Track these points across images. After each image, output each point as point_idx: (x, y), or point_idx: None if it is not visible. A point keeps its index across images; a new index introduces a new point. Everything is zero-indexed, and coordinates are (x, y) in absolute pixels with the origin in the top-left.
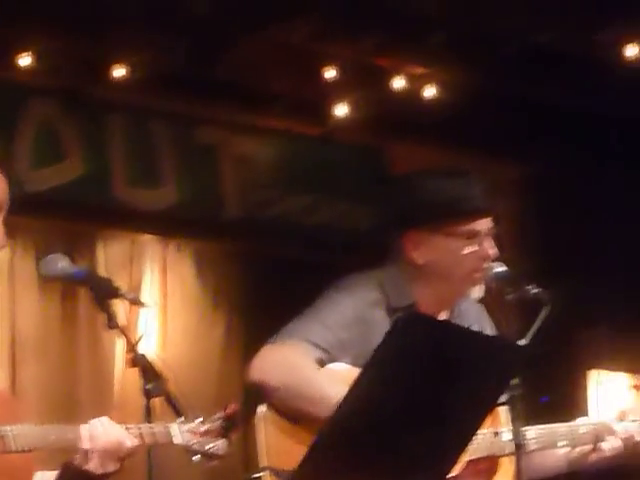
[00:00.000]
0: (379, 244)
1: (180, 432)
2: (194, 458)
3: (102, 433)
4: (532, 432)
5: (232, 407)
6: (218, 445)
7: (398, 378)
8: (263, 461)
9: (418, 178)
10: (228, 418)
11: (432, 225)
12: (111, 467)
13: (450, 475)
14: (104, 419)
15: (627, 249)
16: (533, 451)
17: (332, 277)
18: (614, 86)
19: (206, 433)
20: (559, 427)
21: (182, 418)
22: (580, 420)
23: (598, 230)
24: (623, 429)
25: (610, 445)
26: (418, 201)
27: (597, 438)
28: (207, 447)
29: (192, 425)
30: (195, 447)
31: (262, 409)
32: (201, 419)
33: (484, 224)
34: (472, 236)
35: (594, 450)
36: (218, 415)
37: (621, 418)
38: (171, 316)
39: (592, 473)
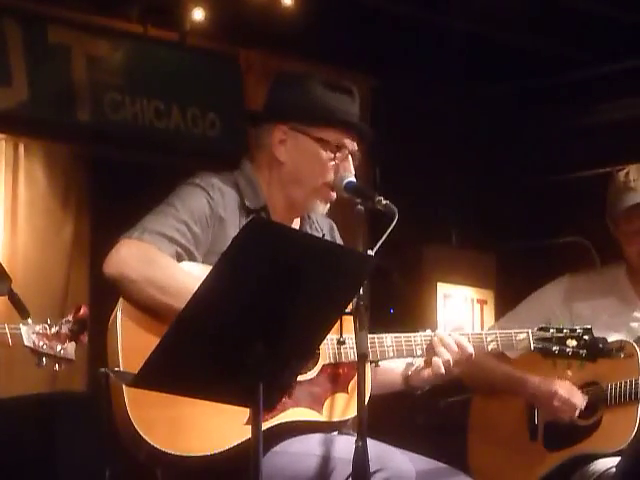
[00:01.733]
0: (226, 150)
1: (29, 334)
2: (42, 361)
3: None
4: (389, 339)
5: (82, 310)
6: (67, 348)
7: (245, 282)
8: (119, 360)
9: (305, 79)
10: (78, 321)
11: (306, 124)
12: None
13: (306, 378)
14: None
15: (473, 164)
16: (391, 358)
17: (178, 182)
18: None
19: (56, 336)
20: (416, 336)
21: (30, 320)
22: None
23: (445, 145)
24: (455, 341)
25: (442, 359)
26: (299, 99)
27: (430, 351)
28: (56, 350)
29: (41, 327)
30: (44, 350)
31: (120, 307)
32: (49, 321)
33: (351, 144)
34: (338, 150)
35: (427, 366)
36: (68, 318)
37: (454, 330)
38: (20, 216)
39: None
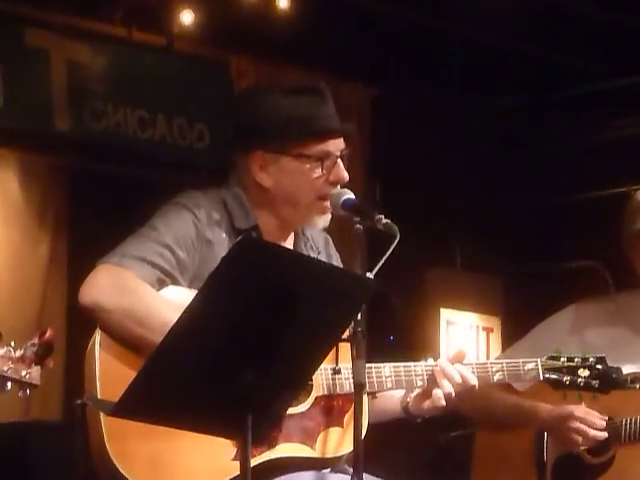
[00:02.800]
0: (216, 163)
1: None
2: (7, 385)
3: None
4: (387, 369)
5: (48, 333)
6: (32, 373)
7: (233, 307)
8: (96, 389)
9: (268, 93)
10: (44, 344)
11: (281, 145)
12: None
13: (298, 411)
14: None
15: (479, 182)
16: (390, 389)
17: (164, 196)
18: (462, 7)
19: (20, 359)
20: (416, 365)
21: None
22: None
23: (450, 160)
24: (457, 372)
25: (444, 392)
26: (267, 118)
27: (432, 382)
28: (21, 374)
29: (5, 350)
30: (9, 374)
31: (98, 335)
32: (13, 344)
33: (336, 145)
34: (323, 158)
35: (428, 396)
36: (33, 341)
37: (457, 360)
38: None
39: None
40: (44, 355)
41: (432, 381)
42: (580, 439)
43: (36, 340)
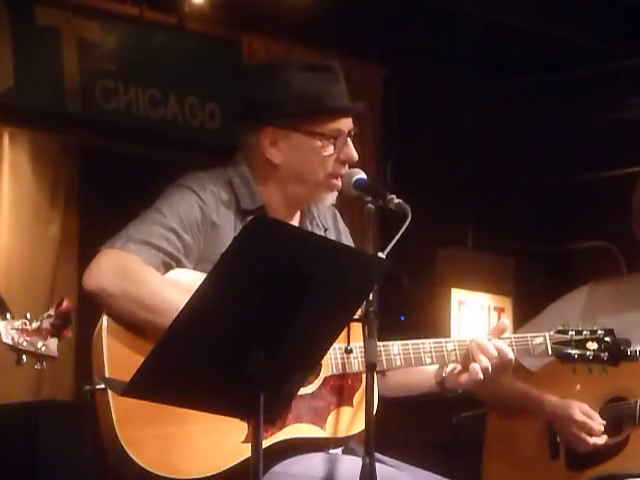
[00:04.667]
0: (228, 143)
1: (8, 329)
2: (22, 359)
3: None
4: (396, 347)
5: (65, 303)
6: (49, 345)
7: (244, 286)
8: (104, 373)
9: (280, 69)
10: (61, 315)
11: (293, 121)
12: None
13: (307, 391)
14: None
15: (491, 162)
16: (399, 367)
17: (175, 176)
18: None
19: (37, 331)
20: (425, 343)
21: (9, 315)
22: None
23: (461, 140)
24: (494, 346)
25: (481, 365)
26: (279, 94)
27: (468, 357)
28: (37, 346)
29: (21, 322)
30: (24, 347)
31: (105, 319)
32: (29, 316)
33: (347, 124)
34: (334, 136)
35: (465, 370)
36: (50, 312)
37: (494, 335)
38: (3, 211)
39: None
40: (62, 326)
41: (467, 357)
42: (578, 445)
43: (52, 311)
